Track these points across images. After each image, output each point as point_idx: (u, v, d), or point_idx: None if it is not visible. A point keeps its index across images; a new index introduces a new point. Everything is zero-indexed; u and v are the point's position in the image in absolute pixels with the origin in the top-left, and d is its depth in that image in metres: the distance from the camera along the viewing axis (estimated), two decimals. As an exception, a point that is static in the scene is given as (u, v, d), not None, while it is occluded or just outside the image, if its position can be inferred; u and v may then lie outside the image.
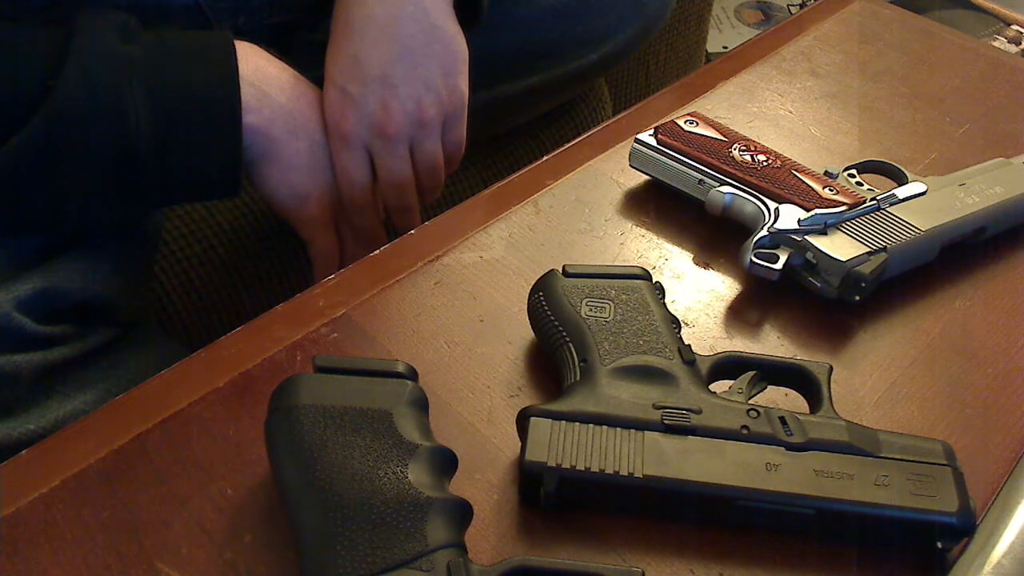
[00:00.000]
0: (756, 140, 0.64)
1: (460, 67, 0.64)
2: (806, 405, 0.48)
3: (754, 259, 0.55)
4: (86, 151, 0.54)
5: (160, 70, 0.55)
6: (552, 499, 0.43)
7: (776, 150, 0.63)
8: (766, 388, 0.49)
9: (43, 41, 0.54)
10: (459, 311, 0.55)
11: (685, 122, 0.64)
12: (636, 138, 0.64)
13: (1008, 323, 0.57)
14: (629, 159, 0.64)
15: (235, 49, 0.58)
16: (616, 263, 0.59)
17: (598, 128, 0.71)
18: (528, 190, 0.65)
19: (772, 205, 0.58)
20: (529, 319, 0.52)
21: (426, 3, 0.62)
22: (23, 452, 0.46)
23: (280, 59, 0.62)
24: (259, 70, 0.59)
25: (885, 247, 0.56)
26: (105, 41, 0.54)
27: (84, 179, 0.55)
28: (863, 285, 0.54)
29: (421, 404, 0.44)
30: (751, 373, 0.49)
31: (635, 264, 0.58)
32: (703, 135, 0.63)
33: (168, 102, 0.55)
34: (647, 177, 0.64)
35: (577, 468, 0.43)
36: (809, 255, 0.56)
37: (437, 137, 0.65)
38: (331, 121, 0.62)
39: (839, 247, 0.55)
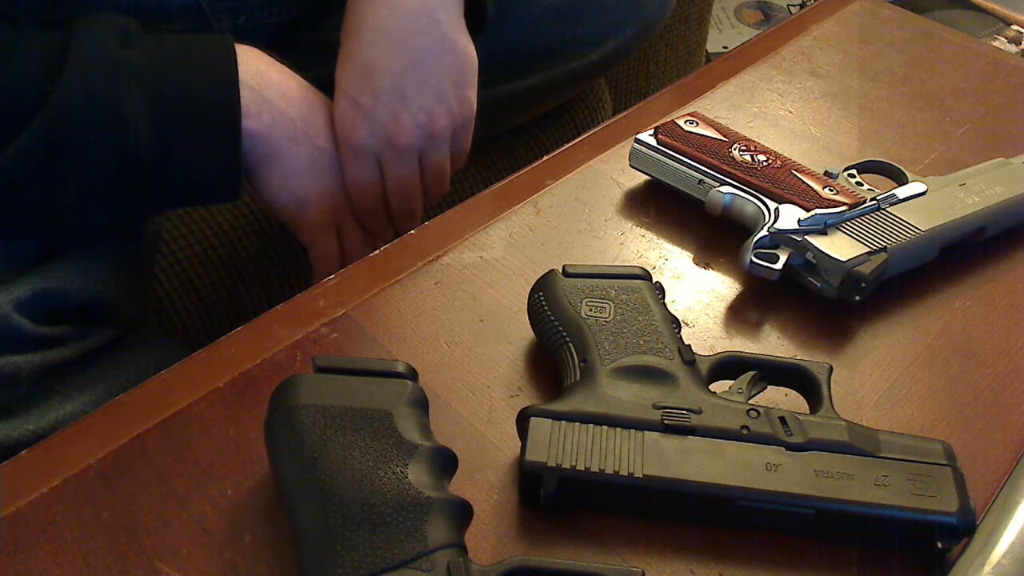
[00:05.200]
0: (756, 140, 0.64)
1: (470, 78, 0.64)
2: (806, 405, 0.48)
3: (754, 259, 0.55)
4: (85, 156, 0.54)
5: (159, 75, 0.55)
6: (552, 499, 0.43)
7: (776, 150, 0.63)
8: (766, 388, 0.49)
9: (42, 45, 0.54)
10: (459, 311, 0.55)
11: (685, 122, 0.64)
12: (636, 138, 0.64)
13: (1008, 323, 0.57)
14: (629, 159, 0.64)
15: (236, 53, 0.57)
16: (616, 263, 0.59)
17: (598, 128, 0.71)
18: (528, 190, 0.65)
19: (772, 205, 0.58)
20: (529, 319, 0.52)
21: (438, 14, 0.62)
22: (23, 452, 0.46)
23: (281, 61, 0.62)
24: (260, 74, 0.59)
25: (885, 247, 0.56)
26: (104, 45, 0.54)
27: (84, 184, 0.55)
28: (863, 285, 0.54)
29: (421, 404, 0.44)
30: (751, 373, 0.49)
31: (635, 264, 0.58)
32: (703, 135, 0.63)
33: (167, 107, 0.55)
34: (647, 177, 0.64)
35: (577, 468, 0.43)
36: (809, 255, 0.56)
37: (446, 147, 0.65)
38: (342, 132, 0.62)
39: (839, 247, 0.55)
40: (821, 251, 0.55)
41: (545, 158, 0.68)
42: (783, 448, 0.44)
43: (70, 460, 0.46)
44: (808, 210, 0.57)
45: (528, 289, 0.52)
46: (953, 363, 0.54)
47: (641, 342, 0.48)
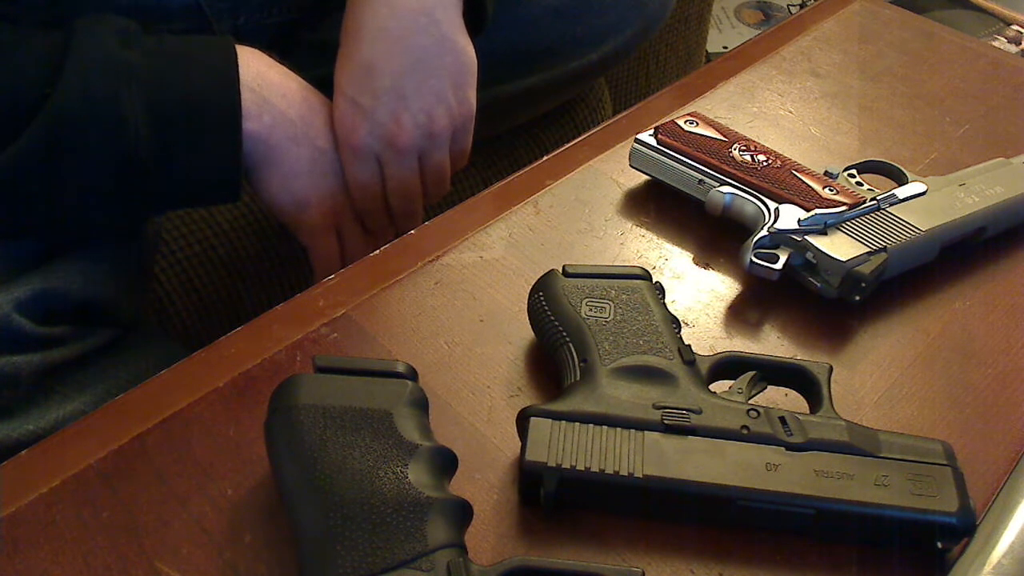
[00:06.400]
0: (756, 140, 0.63)
1: (470, 79, 0.64)
2: (806, 405, 0.48)
3: (754, 259, 0.55)
4: (85, 157, 0.54)
5: (159, 76, 0.55)
6: (552, 499, 0.43)
7: (776, 150, 0.63)
8: (766, 388, 0.49)
9: (42, 46, 0.54)
10: (459, 311, 0.55)
11: (685, 122, 0.64)
12: (636, 138, 0.64)
13: (1008, 323, 0.57)
14: (629, 159, 0.64)
15: (236, 54, 0.57)
16: (616, 263, 0.59)
17: (598, 128, 0.71)
18: (528, 190, 0.65)
19: (772, 205, 0.58)
20: (529, 319, 0.52)
21: (437, 14, 0.62)
22: (23, 452, 0.46)
23: (281, 62, 0.62)
24: (260, 76, 0.59)
25: (885, 247, 0.56)
26: (104, 46, 0.54)
27: (84, 185, 0.55)
28: (863, 285, 0.54)
29: (421, 404, 0.44)
30: (751, 373, 0.49)
31: (635, 264, 0.58)
32: (703, 135, 0.63)
33: (167, 108, 0.55)
34: (647, 177, 0.64)
35: (577, 468, 0.43)
36: (809, 255, 0.56)
37: (446, 148, 0.65)
38: (342, 133, 0.62)
39: (839, 247, 0.55)
40: (821, 251, 0.55)
41: (545, 158, 0.68)
42: (783, 448, 0.44)
43: (70, 460, 0.46)
44: (808, 210, 0.57)
45: (528, 289, 0.52)
46: (953, 363, 0.54)
47: (641, 342, 0.48)
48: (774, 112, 0.73)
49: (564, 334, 0.49)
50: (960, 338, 0.56)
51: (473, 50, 0.64)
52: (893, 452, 0.44)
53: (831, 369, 0.48)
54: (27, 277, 0.55)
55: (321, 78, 0.63)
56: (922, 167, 0.68)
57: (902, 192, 0.60)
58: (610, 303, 0.50)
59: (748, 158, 0.61)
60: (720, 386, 0.48)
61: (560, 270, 0.52)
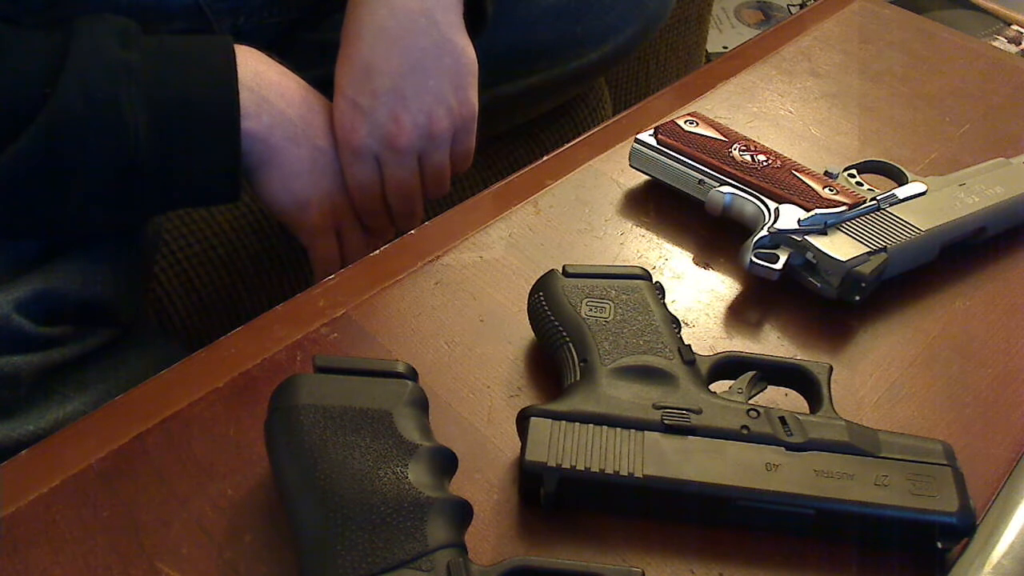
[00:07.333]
0: (756, 140, 0.63)
1: (470, 79, 0.64)
2: (806, 405, 0.48)
3: (754, 259, 0.55)
4: (85, 158, 0.54)
5: (158, 76, 0.55)
6: (552, 499, 0.43)
7: (776, 150, 0.63)
8: (766, 388, 0.49)
9: (41, 46, 0.54)
10: (459, 311, 0.55)
11: (685, 122, 0.64)
12: (636, 138, 0.64)
13: (1008, 323, 0.57)
14: (629, 159, 0.64)
15: (235, 54, 0.57)
16: (616, 263, 0.59)
17: (598, 128, 0.71)
18: (528, 190, 0.65)
19: (772, 205, 0.58)
20: (529, 319, 0.52)
21: (437, 15, 0.62)
22: (23, 452, 0.46)
23: (281, 62, 0.62)
24: (259, 75, 0.59)
25: (885, 247, 0.56)
26: (103, 47, 0.54)
27: (83, 186, 0.55)
28: (863, 285, 0.54)
29: (421, 404, 0.44)
30: (751, 373, 0.49)
31: (635, 264, 0.58)
32: (703, 135, 0.63)
33: (166, 108, 0.55)
34: (647, 177, 0.64)
35: (577, 468, 0.43)
36: (809, 255, 0.56)
37: (446, 149, 0.65)
38: (341, 133, 0.62)
39: (839, 247, 0.55)
40: (821, 251, 0.55)
41: (545, 158, 0.68)
42: (783, 448, 0.44)
43: (70, 460, 0.46)
44: (808, 210, 0.57)
45: (528, 289, 0.52)
46: (953, 363, 0.54)
47: (641, 342, 0.48)
48: (774, 112, 0.74)
49: (564, 334, 0.49)
50: (960, 338, 0.56)
51: (473, 50, 0.64)
52: (893, 452, 0.44)
53: (831, 369, 0.48)
54: (27, 277, 0.55)
55: (321, 78, 0.63)
56: (922, 167, 0.68)
57: (902, 192, 0.60)
58: (610, 303, 0.50)
59: (748, 158, 0.61)
60: (720, 386, 0.48)
61: (560, 270, 0.52)
